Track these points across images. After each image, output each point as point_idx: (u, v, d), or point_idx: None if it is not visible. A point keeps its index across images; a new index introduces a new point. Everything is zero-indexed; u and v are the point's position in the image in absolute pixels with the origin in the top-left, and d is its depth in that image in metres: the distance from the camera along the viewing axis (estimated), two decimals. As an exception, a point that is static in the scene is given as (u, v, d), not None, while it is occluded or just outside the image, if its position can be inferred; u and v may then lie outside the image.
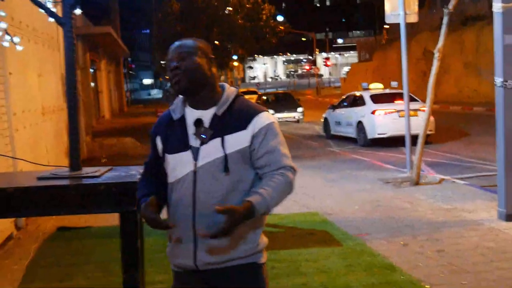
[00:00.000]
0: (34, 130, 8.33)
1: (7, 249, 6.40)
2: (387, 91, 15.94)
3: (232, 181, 2.36)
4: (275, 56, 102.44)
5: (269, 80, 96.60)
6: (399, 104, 13.63)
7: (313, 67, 66.25)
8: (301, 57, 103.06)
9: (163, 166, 2.49)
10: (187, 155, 2.39)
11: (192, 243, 2.38)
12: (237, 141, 2.37)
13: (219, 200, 2.33)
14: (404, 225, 6.76)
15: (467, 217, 6.97)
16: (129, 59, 60.01)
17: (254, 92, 34.54)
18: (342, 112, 16.53)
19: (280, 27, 45.65)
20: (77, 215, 7.40)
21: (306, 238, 6.39)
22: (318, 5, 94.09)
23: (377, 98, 15.23)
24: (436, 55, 9.00)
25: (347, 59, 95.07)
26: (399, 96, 13.41)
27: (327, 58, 65.84)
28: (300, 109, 23.95)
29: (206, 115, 2.41)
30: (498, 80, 6.64)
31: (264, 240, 2.48)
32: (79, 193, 2.97)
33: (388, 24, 23.06)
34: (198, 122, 2.40)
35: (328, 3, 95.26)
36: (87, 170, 3.34)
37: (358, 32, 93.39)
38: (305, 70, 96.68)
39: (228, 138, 2.37)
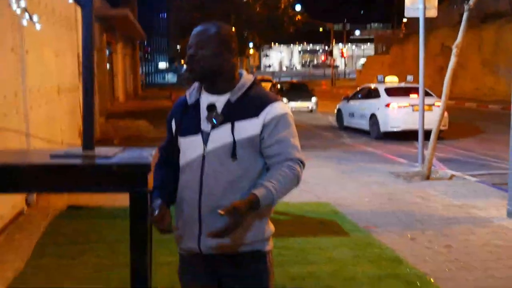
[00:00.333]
0: (49, 108, 8.39)
1: (18, 224, 6.47)
2: (402, 85, 15.84)
3: (240, 168, 2.34)
4: (291, 45, 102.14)
5: (284, 69, 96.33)
6: (413, 99, 13.57)
7: (329, 57, 65.93)
8: (318, 48, 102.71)
9: (177, 149, 2.51)
10: (198, 139, 2.40)
11: (197, 227, 2.39)
12: (248, 128, 2.35)
13: (225, 186, 2.33)
14: (413, 219, 6.76)
15: (477, 214, 6.94)
16: (145, 42, 60.08)
17: (269, 81, 34.43)
18: (356, 104, 16.47)
19: (298, 16, 45.46)
20: (88, 195, 7.47)
21: (315, 227, 6.40)
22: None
23: (392, 92, 15.15)
24: (454, 50, 8.94)
25: (363, 52, 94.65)
26: (414, 90, 13.34)
27: (344, 50, 65.50)
28: (314, 99, 23.89)
29: (220, 101, 2.41)
30: (515, 77, 6.59)
31: (270, 228, 2.46)
32: (91, 172, 2.99)
33: (406, 18, 22.90)
34: (211, 107, 2.41)
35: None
36: (100, 150, 3.35)
37: (376, 25, 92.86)
38: (321, 61, 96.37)
39: (239, 124, 2.35)
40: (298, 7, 47.46)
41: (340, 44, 71.80)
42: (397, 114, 14.45)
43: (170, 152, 2.55)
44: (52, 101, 8.63)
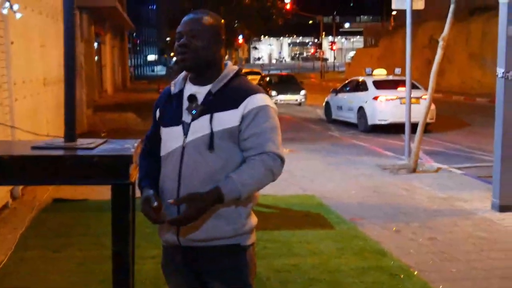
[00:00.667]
0: (35, 100, 8.33)
1: (2, 217, 6.44)
2: (390, 77, 15.90)
3: (219, 160, 2.32)
4: (281, 38, 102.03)
5: (274, 61, 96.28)
6: (401, 91, 13.58)
7: (318, 50, 65.89)
8: (307, 40, 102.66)
9: (161, 139, 2.50)
10: (178, 129, 2.39)
11: None
12: (226, 119, 2.32)
13: (203, 177, 2.31)
14: (398, 212, 6.79)
15: (462, 207, 6.99)
16: (134, 34, 59.78)
17: (257, 73, 34.41)
18: (344, 97, 16.50)
19: (287, 8, 45.39)
20: (74, 188, 7.44)
21: (300, 220, 6.42)
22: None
23: (380, 84, 15.19)
24: (441, 43, 8.97)
25: (353, 44, 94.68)
26: (402, 83, 13.32)
27: (333, 42, 65.50)
28: (302, 92, 23.90)
29: (202, 91, 2.39)
30: (500, 70, 6.63)
31: (251, 221, 2.42)
32: (72, 164, 2.98)
33: (395, 11, 22.88)
34: (192, 98, 2.39)
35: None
36: (82, 142, 3.33)
37: (365, 17, 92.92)
38: (310, 53, 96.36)
39: (217, 115, 2.32)
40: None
41: (330, 37, 71.82)
42: (384, 107, 14.49)
43: (154, 142, 2.54)
44: (38, 93, 8.57)
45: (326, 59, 69.43)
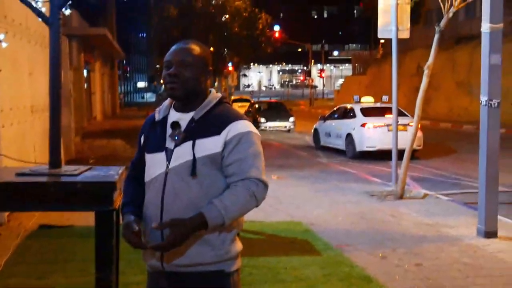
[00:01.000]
0: (22, 127, 8.33)
1: (-12, 245, 6.39)
2: (378, 105, 16.03)
3: (201, 186, 2.34)
4: (270, 65, 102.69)
5: (263, 89, 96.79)
6: (389, 118, 13.68)
7: (307, 78, 66.39)
8: (296, 68, 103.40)
9: (145, 165, 2.52)
10: (162, 156, 2.42)
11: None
12: (209, 146, 2.35)
13: (186, 204, 2.33)
14: (385, 238, 6.81)
15: (448, 233, 7.03)
16: (124, 61, 60.03)
17: (247, 100, 34.59)
18: (332, 124, 16.61)
19: (276, 36, 45.83)
20: (61, 213, 7.40)
21: (286, 247, 6.42)
22: (315, 16, 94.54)
23: (368, 112, 15.32)
24: (426, 71, 9.09)
25: (341, 72, 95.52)
26: (390, 110, 13.42)
27: (322, 70, 66.05)
28: (291, 119, 24.05)
29: (185, 118, 2.43)
30: (484, 98, 6.73)
31: (236, 247, 2.43)
32: (56, 191, 3.00)
33: (383, 39, 23.16)
34: (175, 125, 2.43)
35: (325, 15, 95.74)
36: (66, 168, 3.37)
37: (354, 45, 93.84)
38: (299, 81, 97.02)
39: (200, 142, 2.35)
40: (276, 28, 47.89)
41: (319, 65, 72.37)
42: (372, 133, 14.60)
43: (139, 168, 2.56)
44: (25, 120, 8.58)
45: (315, 87, 69.88)
